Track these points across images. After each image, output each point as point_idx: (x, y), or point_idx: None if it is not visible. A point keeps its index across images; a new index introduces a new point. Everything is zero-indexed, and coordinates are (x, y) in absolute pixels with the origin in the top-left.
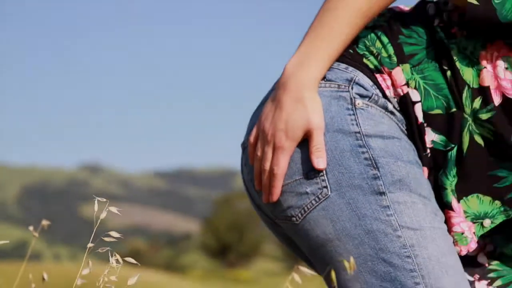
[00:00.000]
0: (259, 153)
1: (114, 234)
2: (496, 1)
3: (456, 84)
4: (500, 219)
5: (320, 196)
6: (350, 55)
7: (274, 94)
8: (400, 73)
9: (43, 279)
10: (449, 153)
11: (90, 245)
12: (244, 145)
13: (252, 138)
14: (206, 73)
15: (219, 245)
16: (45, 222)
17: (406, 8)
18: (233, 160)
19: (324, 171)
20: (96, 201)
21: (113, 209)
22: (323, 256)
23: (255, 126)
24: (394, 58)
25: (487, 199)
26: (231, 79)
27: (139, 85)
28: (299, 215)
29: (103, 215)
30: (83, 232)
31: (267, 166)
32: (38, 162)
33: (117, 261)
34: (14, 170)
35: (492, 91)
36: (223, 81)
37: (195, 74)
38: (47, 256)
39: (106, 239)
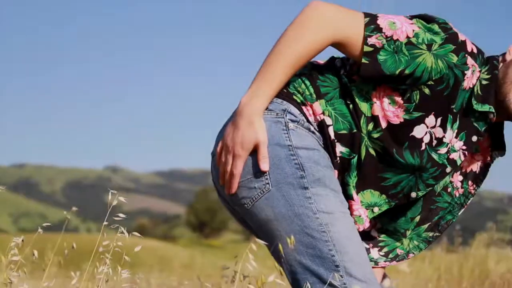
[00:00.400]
0: (223, 160)
1: (121, 215)
2: (381, 60)
3: (356, 113)
4: (385, 207)
5: (264, 190)
6: (284, 93)
7: (233, 119)
8: (318, 106)
9: (73, 247)
10: (352, 161)
11: (105, 223)
12: (213, 154)
13: (218, 149)
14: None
15: (198, 223)
16: (74, 208)
17: (322, 61)
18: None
19: (267, 172)
20: (110, 193)
21: (122, 198)
22: (266, 231)
23: (220, 141)
24: (314, 96)
25: (377, 193)
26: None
27: (145, 102)
28: (250, 203)
29: (115, 202)
30: (106, 214)
31: (228, 168)
32: (76, 164)
33: (122, 233)
34: (60, 170)
35: (380, 119)
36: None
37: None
38: (82, 230)
39: (116, 218)
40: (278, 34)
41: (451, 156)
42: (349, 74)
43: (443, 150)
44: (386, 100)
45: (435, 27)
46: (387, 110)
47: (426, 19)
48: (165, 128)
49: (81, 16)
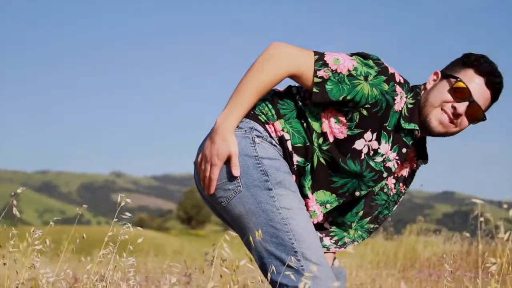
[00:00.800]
0: (203, 167)
1: (127, 214)
2: (328, 89)
3: (309, 130)
4: (335, 204)
5: (236, 191)
6: (251, 114)
7: (211, 135)
8: (278, 124)
9: (83, 237)
10: (306, 168)
11: (115, 220)
12: (195, 163)
13: (199, 159)
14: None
15: (187, 216)
16: (85, 206)
17: (281, 89)
18: None
19: (239, 177)
20: (119, 196)
21: (128, 200)
22: (239, 224)
23: (201, 153)
24: (275, 116)
25: (328, 193)
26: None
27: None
28: (225, 201)
29: (123, 203)
30: (113, 209)
31: (207, 174)
32: (88, 170)
33: (128, 227)
34: (75, 175)
35: (328, 134)
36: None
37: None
38: (93, 222)
39: (123, 216)
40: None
41: (387, 165)
42: (303, 99)
43: (379, 159)
44: (332, 120)
45: (370, 62)
46: (334, 127)
47: (363, 56)
48: (159, 139)
49: (84, 26)
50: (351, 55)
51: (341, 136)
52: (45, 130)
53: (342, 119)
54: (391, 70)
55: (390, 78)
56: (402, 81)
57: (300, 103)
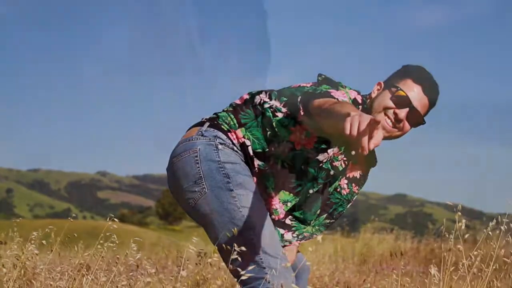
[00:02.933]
0: (354, 129)
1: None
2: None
3: (275, 138)
4: (294, 202)
5: (202, 192)
6: (215, 124)
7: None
8: (240, 132)
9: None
10: (267, 170)
11: (86, 214)
12: (167, 170)
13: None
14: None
15: (164, 213)
16: (72, 206)
17: (239, 101)
18: None
19: (204, 180)
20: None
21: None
22: (205, 222)
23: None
24: (237, 125)
25: (287, 193)
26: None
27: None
28: (193, 202)
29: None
30: (98, 206)
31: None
32: (76, 169)
33: (111, 220)
34: (64, 174)
35: (295, 144)
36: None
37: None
38: (80, 217)
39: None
40: None
41: (334, 163)
42: (274, 111)
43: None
44: (304, 132)
45: (341, 90)
46: (303, 139)
47: (331, 84)
48: (140, 143)
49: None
50: (319, 84)
51: (307, 147)
52: (38, 132)
53: (312, 132)
54: (351, 95)
55: (355, 104)
56: (359, 99)
57: (269, 114)
